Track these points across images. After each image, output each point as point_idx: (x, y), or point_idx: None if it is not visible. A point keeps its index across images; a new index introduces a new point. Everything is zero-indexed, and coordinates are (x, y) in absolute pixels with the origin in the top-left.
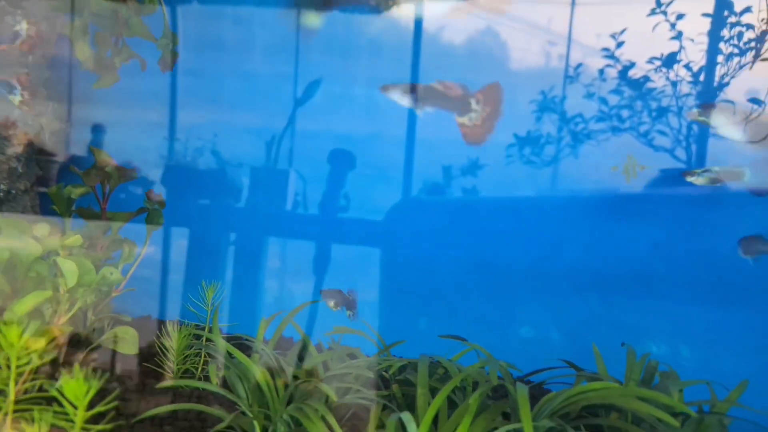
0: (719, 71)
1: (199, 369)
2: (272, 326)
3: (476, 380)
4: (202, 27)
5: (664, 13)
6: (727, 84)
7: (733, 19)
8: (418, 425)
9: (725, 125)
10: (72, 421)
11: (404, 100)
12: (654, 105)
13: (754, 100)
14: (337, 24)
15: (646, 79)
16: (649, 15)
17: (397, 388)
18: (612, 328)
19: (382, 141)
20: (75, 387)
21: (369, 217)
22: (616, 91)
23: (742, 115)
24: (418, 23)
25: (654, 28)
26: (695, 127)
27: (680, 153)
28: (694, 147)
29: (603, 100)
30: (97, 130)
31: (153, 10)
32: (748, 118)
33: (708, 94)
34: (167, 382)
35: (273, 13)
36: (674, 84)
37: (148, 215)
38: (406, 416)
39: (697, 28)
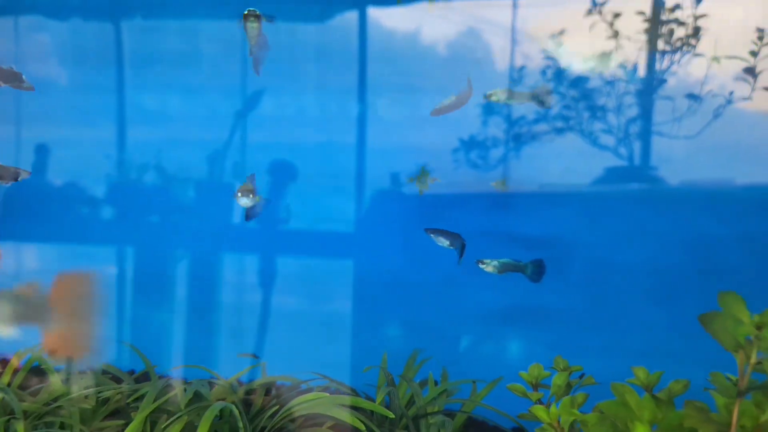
0: (657, 68)
1: None
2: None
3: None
4: (146, 41)
5: (600, 12)
6: (665, 81)
7: (665, 16)
8: None
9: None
10: None
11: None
12: (594, 104)
13: (691, 96)
14: (282, 33)
15: (586, 79)
16: (587, 14)
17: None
18: None
19: (333, 149)
20: None
21: (317, 227)
22: (557, 92)
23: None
24: (362, 29)
25: (591, 28)
26: (635, 126)
27: (623, 151)
28: (637, 145)
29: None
30: (42, 149)
31: None
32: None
33: (647, 90)
34: None
35: (217, 26)
36: (611, 83)
37: None
38: None
39: (634, 26)
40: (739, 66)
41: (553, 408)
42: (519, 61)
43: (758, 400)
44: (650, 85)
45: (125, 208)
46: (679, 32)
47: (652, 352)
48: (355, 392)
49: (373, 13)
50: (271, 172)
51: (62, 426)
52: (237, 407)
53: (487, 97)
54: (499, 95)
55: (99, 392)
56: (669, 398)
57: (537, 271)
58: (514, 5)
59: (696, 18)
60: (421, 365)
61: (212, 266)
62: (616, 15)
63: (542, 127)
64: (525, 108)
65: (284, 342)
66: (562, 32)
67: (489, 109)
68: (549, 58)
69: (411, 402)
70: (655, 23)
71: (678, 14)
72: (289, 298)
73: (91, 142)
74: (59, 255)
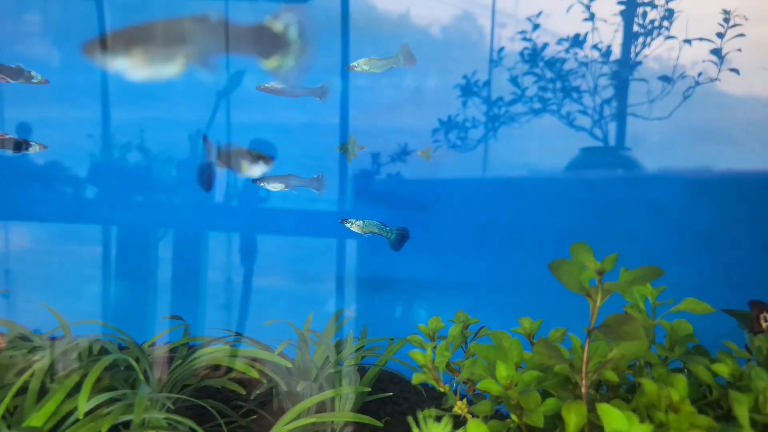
0: (632, 50)
1: None
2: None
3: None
4: (129, 20)
5: None
6: (640, 63)
7: None
8: None
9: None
10: None
11: None
12: (570, 85)
13: (664, 78)
14: (265, 13)
15: (563, 60)
16: None
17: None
18: None
19: (316, 130)
20: None
21: (300, 206)
22: (534, 74)
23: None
24: (345, 9)
25: (568, 10)
26: (609, 108)
27: (598, 132)
28: (612, 125)
29: (517, 83)
30: (23, 128)
31: None
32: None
33: (621, 72)
34: None
35: (201, 4)
36: (587, 65)
37: None
38: None
39: (609, 9)
40: (708, 48)
41: (429, 351)
42: (502, 43)
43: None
44: (625, 66)
45: (108, 187)
46: (653, 14)
47: (546, 310)
48: (268, 348)
49: None
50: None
51: None
52: (137, 361)
53: (349, 68)
54: (362, 65)
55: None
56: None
57: (399, 238)
58: None
59: (668, 0)
60: (343, 324)
61: (193, 244)
62: None
63: (520, 108)
64: (503, 88)
65: (258, 316)
66: (539, 14)
67: (467, 90)
68: (527, 39)
69: (328, 359)
70: (630, 6)
71: None
72: (268, 275)
73: (74, 121)
74: (42, 234)
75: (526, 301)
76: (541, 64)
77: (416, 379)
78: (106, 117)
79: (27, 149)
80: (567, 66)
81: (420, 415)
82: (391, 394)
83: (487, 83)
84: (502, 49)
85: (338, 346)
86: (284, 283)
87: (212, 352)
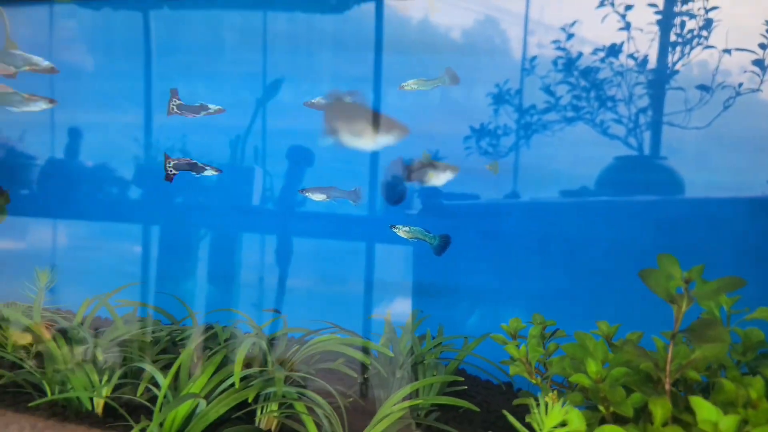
0: (669, 59)
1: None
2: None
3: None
4: (172, 31)
5: (612, 3)
6: (677, 72)
7: (677, 8)
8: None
9: None
10: None
11: None
12: (605, 94)
13: (702, 87)
14: (300, 23)
15: (598, 69)
16: (598, 7)
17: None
18: None
19: None
20: None
21: (335, 211)
22: (568, 83)
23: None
24: (379, 20)
25: (603, 19)
26: (644, 116)
27: (633, 141)
28: (647, 135)
29: (551, 92)
30: (74, 133)
31: None
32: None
33: (658, 81)
34: None
35: (239, 16)
36: (622, 74)
37: None
38: (149, 367)
39: (645, 18)
40: (748, 58)
41: (523, 347)
42: (532, 51)
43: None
44: (661, 76)
45: (152, 189)
46: (690, 24)
47: (625, 317)
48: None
49: (389, 2)
50: (290, 156)
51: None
52: (265, 343)
53: (401, 87)
54: (412, 85)
55: (153, 332)
56: (622, 344)
57: (442, 244)
58: None
59: (707, 10)
60: (421, 323)
61: (234, 244)
62: (628, 7)
63: (553, 116)
64: (535, 97)
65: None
66: (573, 23)
67: (498, 98)
68: (560, 48)
69: (411, 352)
70: (667, 15)
71: (690, 6)
72: (304, 275)
73: (119, 126)
74: (90, 233)
75: (585, 309)
76: (575, 73)
77: (513, 370)
78: (149, 121)
79: (203, 172)
80: (602, 75)
81: (531, 402)
82: (465, 387)
83: (519, 91)
84: (534, 57)
85: (419, 341)
86: (353, 287)
87: (324, 341)
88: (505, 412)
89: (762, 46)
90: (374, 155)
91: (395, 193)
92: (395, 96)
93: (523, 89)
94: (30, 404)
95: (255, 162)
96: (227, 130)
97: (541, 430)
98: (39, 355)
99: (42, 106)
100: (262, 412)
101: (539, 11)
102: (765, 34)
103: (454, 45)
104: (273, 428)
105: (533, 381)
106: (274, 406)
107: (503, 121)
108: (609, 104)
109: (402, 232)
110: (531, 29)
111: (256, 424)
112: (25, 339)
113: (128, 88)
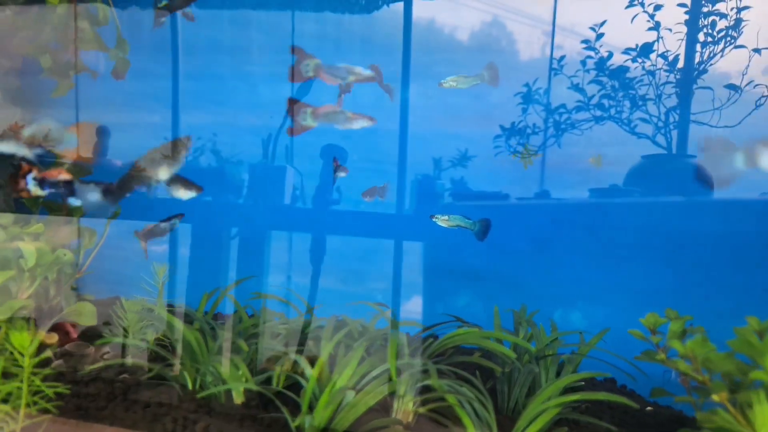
0: (696, 59)
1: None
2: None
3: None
4: (200, 31)
5: (642, 4)
6: (705, 71)
7: (706, 8)
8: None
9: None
10: (21, 366)
11: None
12: (634, 93)
13: (731, 86)
14: (329, 23)
15: (626, 68)
16: (628, 7)
17: (312, 344)
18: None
19: (377, 135)
20: (20, 338)
21: (365, 209)
22: (598, 81)
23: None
24: (407, 20)
25: (633, 19)
26: (675, 115)
27: (661, 139)
28: (675, 133)
29: (582, 91)
30: (103, 132)
31: (107, 20)
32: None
33: (686, 81)
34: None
35: (266, 17)
36: (652, 73)
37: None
38: (300, 359)
39: (674, 17)
40: None
41: (689, 343)
42: (559, 52)
43: None
44: (690, 75)
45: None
46: (721, 24)
47: (703, 313)
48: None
49: (418, 3)
50: (323, 155)
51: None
52: (405, 336)
53: (440, 85)
54: (450, 82)
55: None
56: None
57: (483, 229)
58: None
59: (738, 10)
60: (532, 316)
61: (263, 241)
62: (657, 7)
63: (582, 114)
64: (564, 96)
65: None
66: (603, 23)
67: (528, 97)
68: (591, 48)
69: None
70: (693, 15)
71: (719, 6)
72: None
73: (147, 126)
74: (121, 232)
75: (685, 305)
76: (607, 72)
77: (682, 367)
78: (176, 121)
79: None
80: (630, 74)
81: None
82: (583, 383)
83: (547, 91)
84: (563, 57)
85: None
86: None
87: (462, 334)
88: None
89: None
90: (402, 153)
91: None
92: (423, 95)
93: (550, 89)
94: (199, 395)
95: (286, 160)
96: (257, 130)
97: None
98: (65, 354)
99: (363, 124)
100: (398, 405)
101: (566, 12)
102: None
103: (477, 45)
104: (410, 421)
105: (700, 378)
106: (412, 400)
107: (532, 120)
108: (639, 102)
109: (441, 221)
110: (557, 31)
111: (393, 416)
112: (52, 339)
113: (155, 87)
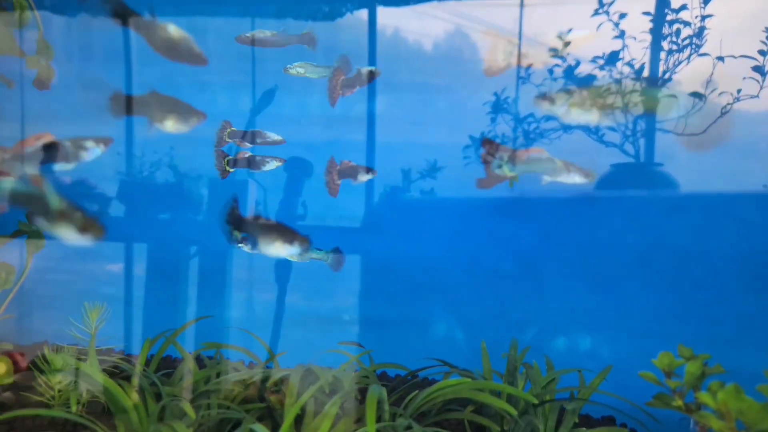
0: (661, 67)
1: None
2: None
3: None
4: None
5: (607, 12)
6: (669, 80)
7: (671, 16)
8: None
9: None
10: None
11: None
12: (601, 102)
13: (695, 94)
14: (291, 30)
15: (593, 77)
16: (593, 15)
17: (275, 399)
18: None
19: (341, 146)
20: None
21: (331, 224)
22: (565, 90)
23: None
24: (372, 27)
25: (598, 27)
26: (641, 123)
27: (629, 148)
28: (642, 142)
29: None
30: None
31: (26, 21)
32: (689, 112)
33: (651, 89)
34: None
35: (226, 24)
36: (618, 81)
37: (28, 237)
38: (259, 427)
39: (639, 26)
40: (747, 65)
41: (720, 394)
42: (526, 62)
43: None
44: (655, 84)
45: (136, 205)
46: (685, 32)
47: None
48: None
49: (382, 12)
50: (286, 168)
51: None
52: (384, 391)
53: (285, 70)
54: (297, 69)
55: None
56: None
57: (337, 259)
58: (521, 5)
59: (701, 18)
60: (524, 354)
61: (224, 261)
62: (622, 15)
63: (551, 124)
64: (532, 106)
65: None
66: (569, 31)
67: (497, 106)
68: (557, 57)
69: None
70: (658, 24)
71: (683, 14)
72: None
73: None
74: (68, 252)
75: (690, 330)
76: (570, 82)
77: (715, 424)
78: (130, 135)
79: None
80: (597, 83)
81: None
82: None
83: (516, 100)
84: (530, 66)
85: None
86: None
87: (453, 385)
88: None
89: (761, 52)
90: (370, 165)
91: None
92: (392, 104)
93: (519, 98)
94: None
95: (249, 175)
96: (213, 143)
97: None
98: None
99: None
100: None
101: (531, 21)
102: (764, 41)
103: (445, 54)
104: None
105: None
106: None
107: (501, 130)
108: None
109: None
110: (524, 41)
111: None
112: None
113: (107, 99)
